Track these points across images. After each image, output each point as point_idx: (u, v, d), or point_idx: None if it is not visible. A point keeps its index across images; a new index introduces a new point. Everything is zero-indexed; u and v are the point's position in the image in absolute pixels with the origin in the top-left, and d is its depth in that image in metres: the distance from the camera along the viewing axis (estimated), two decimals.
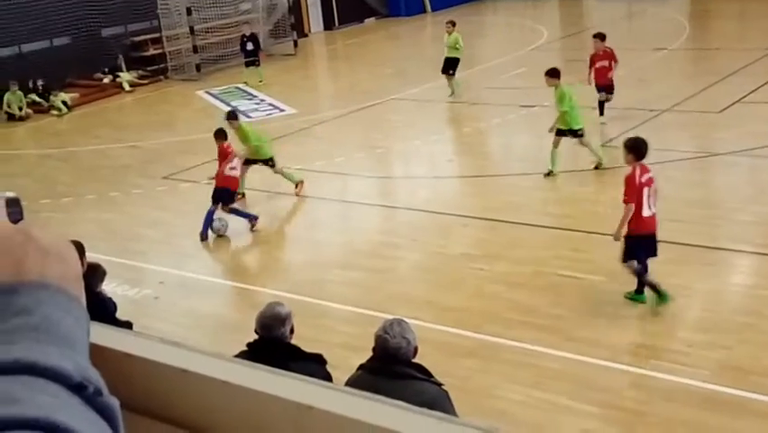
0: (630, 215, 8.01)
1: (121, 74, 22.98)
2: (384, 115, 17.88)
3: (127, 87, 22.74)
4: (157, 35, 23.88)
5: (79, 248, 6.59)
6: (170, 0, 23.44)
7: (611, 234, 8.30)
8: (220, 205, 11.34)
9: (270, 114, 18.50)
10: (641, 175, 8.02)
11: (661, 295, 8.07)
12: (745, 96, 15.35)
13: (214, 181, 11.70)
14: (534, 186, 12.27)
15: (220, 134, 11.78)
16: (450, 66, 18.00)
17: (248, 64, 21.88)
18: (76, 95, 21.43)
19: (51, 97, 20.70)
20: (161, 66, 23.94)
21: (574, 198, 11.51)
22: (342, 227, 11.69)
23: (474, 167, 13.78)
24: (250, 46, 21.83)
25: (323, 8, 30.52)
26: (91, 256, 6.96)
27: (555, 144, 12.40)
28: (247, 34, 22.09)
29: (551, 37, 24.80)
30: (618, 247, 8.26)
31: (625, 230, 8.13)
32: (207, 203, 11.41)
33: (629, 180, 8.03)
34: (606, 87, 14.79)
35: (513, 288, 8.96)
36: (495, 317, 8.35)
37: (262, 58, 22.29)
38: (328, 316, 8.82)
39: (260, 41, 22.88)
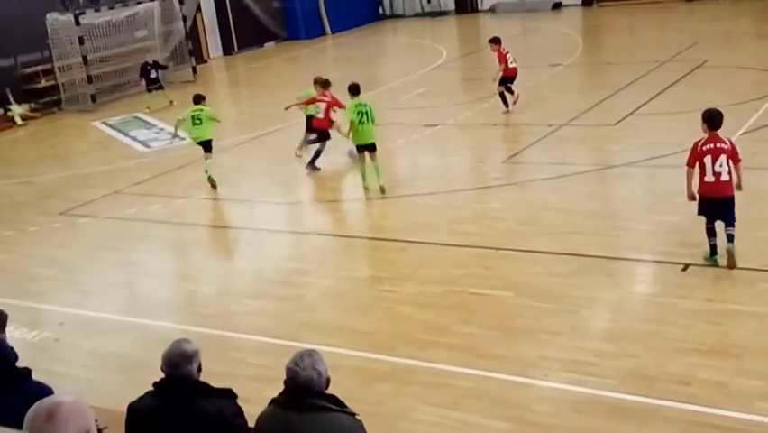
0: (691, 177, 8.94)
1: (11, 107, 22.19)
2: (288, 139, 17.72)
3: (19, 121, 21.99)
4: (49, 66, 23.17)
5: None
6: (62, 30, 22.79)
7: (519, 250, 8.48)
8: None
9: (171, 142, 18.13)
10: (705, 144, 8.82)
11: (712, 254, 8.97)
12: (637, 109, 15.87)
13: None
14: (441, 205, 12.37)
15: (326, 84, 14.69)
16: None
17: (150, 90, 21.77)
18: None
19: None
20: (55, 98, 23.24)
21: (482, 216, 11.64)
22: (251, 256, 11.51)
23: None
24: (153, 74, 21.96)
25: (221, 33, 30.27)
26: None
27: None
28: (150, 62, 22.19)
29: (450, 56, 25.19)
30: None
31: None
32: (107, 238, 11.11)
33: (693, 147, 8.94)
34: (508, 78, 16.77)
35: (424, 308, 8.97)
36: (407, 338, 8.33)
37: (167, 84, 22.23)
38: (239, 348, 8.64)
39: (160, 65, 22.82)
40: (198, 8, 28.86)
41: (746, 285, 8.61)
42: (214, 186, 14.16)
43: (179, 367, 4.90)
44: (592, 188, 12.41)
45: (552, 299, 8.70)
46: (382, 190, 12.91)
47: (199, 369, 4.99)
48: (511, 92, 16.80)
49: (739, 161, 8.95)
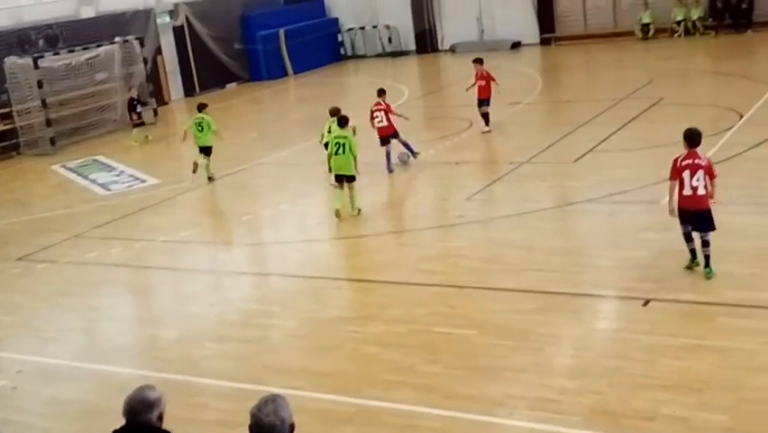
0: (673, 190, 9.58)
1: None
2: (251, 180, 17.73)
3: None
4: (7, 110, 22.93)
5: None
6: (20, 73, 22.61)
7: (483, 287, 8.49)
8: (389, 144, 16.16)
9: (132, 185, 18.00)
10: (684, 159, 9.50)
11: (693, 258, 9.67)
12: (597, 145, 16.09)
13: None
14: (406, 243, 12.38)
15: (381, 93, 16.72)
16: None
17: (137, 125, 22.81)
18: None
19: None
20: (13, 141, 22.97)
21: (446, 254, 11.66)
22: (213, 298, 11.38)
23: (344, 228, 13.77)
24: (138, 108, 22.90)
25: (182, 75, 30.23)
26: None
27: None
28: (135, 97, 23.13)
29: (412, 95, 25.41)
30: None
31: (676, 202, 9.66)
32: (67, 283, 10.91)
33: (673, 163, 9.59)
34: (485, 100, 18.36)
35: (389, 348, 8.92)
36: (372, 379, 8.27)
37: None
38: (202, 393, 8.51)
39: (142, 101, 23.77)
40: (159, 50, 28.87)
41: (708, 319, 8.69)
42: (211, 179, 17.05)
43: (139, 414, 4.85)
44: (554, 224, 12.51)
45: (516, 337, 8.71)
46: (358, 213, 13.66)
47: (160, 417, 4.91)
48: (487, 119, 18.44)
49: (715, 177, 9.54)
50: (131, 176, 18.82)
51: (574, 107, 20.76)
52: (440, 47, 34.45)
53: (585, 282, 10.08)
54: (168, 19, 29.35)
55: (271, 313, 10.46)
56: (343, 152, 13.47)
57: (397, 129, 16.53)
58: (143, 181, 18.18)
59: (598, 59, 28.81)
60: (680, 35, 29.74)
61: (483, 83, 18.44)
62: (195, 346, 9.69)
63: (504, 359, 8.31)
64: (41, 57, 23.01)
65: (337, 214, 13.50)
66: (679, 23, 29.80)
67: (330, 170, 13.88)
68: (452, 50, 33.72)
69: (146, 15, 28.04)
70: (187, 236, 13.79)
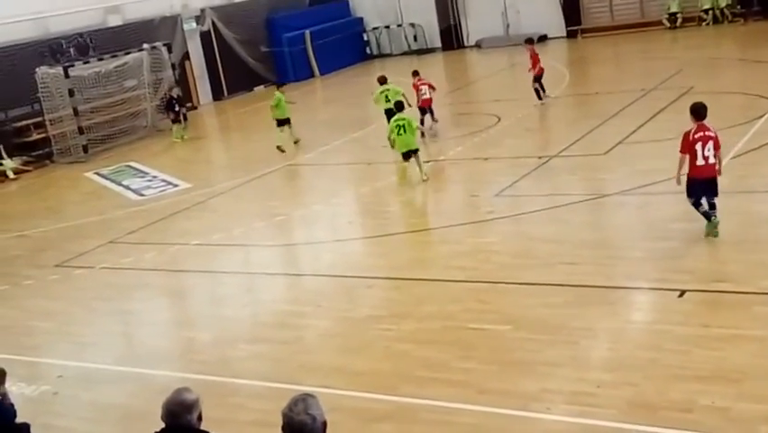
0: (683, 163, 10.27)
1: (3, 161, 22.25)
2: (281, 181, 17.84)
3: (11, 175, 22.02)
4: (40, 119, 23.26)
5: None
6: (51, 82, 22.92)
7: (515, 283, 8.48)
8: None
9: (164, 190, 18.19)
10: (695, 132, 10.16)
11: (711, 222, 10.25)
12: (626, 137, 15.98)
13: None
14: (436, 240, 12.39)
15: (415, 73, 19.69)
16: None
17: (176, 121, 23.71)
18: None
19: None
20: (46, 150, 23.30)
21: (477, 250, 11.66)
22: (247, 300, 11.48)
23: (375, 227, 13.83)
24: (177, 107, 23.86)
25: (210, 79, 30.46)
26: None
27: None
28: (174, 96, 24.12)
29: (439, 92, 25.32)
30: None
31: (685, 173, 10.36)
32: (103, 288, 11.06)
33: (684, 136, 10.25)
34: (539, 76, 20.19)
35: (422, 345, 8.94)
36: (407, 376, 8.29)
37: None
38: (238, 393, 8.59)
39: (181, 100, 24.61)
40: (187, 55, 29.11)
41: (743, 309, 8.61)
42: (282, 151, 19.20)
43: (179, 417, 4.90)
44: (585, 217, 12.45)
45: (550, 331, 8.69)
46: (427, 179, 15.35)
47: (200, 418, 4.97)
48: (543, 89, 20.27)
49: (720, 147, 10.30)
50: (163, 181, 19.02)
51: (603, 100, 20.62)
52: (465, 43, 34.37)
53: (618, 275, 10.03)
54: (194, 25, 29.58)
55: (304, 313, 10.52)
56: (405, 132, 15.22)
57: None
58: (176, 186, 18.35)
59: (625, 50, 28.57)
60: (708, 23, 29.41)
61: (534, 61, 20.19)
62: (229, 348, 9.78)
63: (538, 354, 8.30)
64: (72, 66, 23.32)
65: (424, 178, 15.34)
66: (707, 11, 29.47)
67: (392, 146, 15.63)
68: (478, 45, 33.63)
69: (173, 22, 28.30)
70: (220, 239, 13.91)
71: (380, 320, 9.84)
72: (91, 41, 25.29)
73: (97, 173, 21.04)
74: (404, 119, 15.46)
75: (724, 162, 10.72)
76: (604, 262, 10.47)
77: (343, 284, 11.34)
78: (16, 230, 16.62)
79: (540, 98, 20.24)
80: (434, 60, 33.19)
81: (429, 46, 34.80)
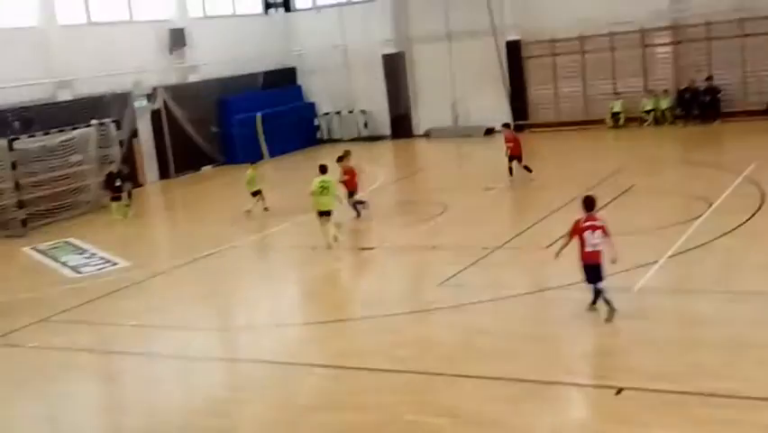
0: (566, 244, 11.61)
1: None
2: (224, 263, 17.60)
3: None
4: None
5: None
6: None
7: (456, 375, 8.34)
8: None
9: (102, 268, 17.79)
10: (584, 222, 11.36)
11: (610, 308, 11.13)
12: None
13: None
14: (378, 329, 12.24)
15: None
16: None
17: (115, 198, 23.46)
18: None
19: None
20: None
21: (418, 340, 11.55)
22: (183, 386, 11.13)
23: (318, 312, 13.66)
24: (118, 182, 23.58)
25: (158, 157, 30.29)
26: None
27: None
28: (114, 171, 23.96)
29: (386, 179, 25.60)
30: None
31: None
32: (31, 368, 10.62)
33: (574, 224, 11.47)
34: (512, 157, 21.99)
35: None
36: None
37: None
38: None
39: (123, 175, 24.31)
40: (135, 133, 28.98)
41: (681, 408, 8.60)
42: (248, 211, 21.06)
43: None
44: (528, 311, 12.47)
45: (489, 427, 8.56)
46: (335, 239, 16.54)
47: None
48: (511, 171, 22.09)
49: (610, 235, 11.32)
50: (102, 258, 18.62)
51: (547, 193, 20.94)
52: (415, 132, 34.93)
53: (559, 370, 9.98)
54: (145, 102, 29.56)
55: (242, 400, 10.23)
56: (325, 194, 16.68)
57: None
58: (115, 264, 17.98)
59: (569, 146, 29.26)
60: (649, 124, 30.39)
61: (511, 144, 22.04)
62: None
63: None
64: (17, 139, 22.99)
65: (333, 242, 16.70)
66: (648, 112, 30.49)
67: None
68: (427, 135, 34.18)
69: (123, 98, 28.23)
70: (158, 321, 13.57)
71: (318, 410, 9.60)
72: (38, 115, 25.02)
73: (34, 248, 20.53)
74: (327, 182, 16.97)
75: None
76: (545, 356, 10.44)
77: (282, 371, 11.09)
78: None
79: (530, 171, 21.96)
80: (383, 148, 33.59)
81: (380, 133, 35.27)
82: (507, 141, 22.48)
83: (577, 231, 11.37)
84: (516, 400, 9.13)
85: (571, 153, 28.22)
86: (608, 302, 11.21)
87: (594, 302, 11.46)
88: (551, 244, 15.42)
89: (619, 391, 9.05)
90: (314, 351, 11.91)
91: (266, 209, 21.70)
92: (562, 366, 10.14)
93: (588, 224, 11.34)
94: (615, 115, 30.98)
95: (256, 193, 21.84)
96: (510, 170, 22.10)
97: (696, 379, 9.16)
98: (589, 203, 11.54)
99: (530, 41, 32.32)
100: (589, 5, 30.27)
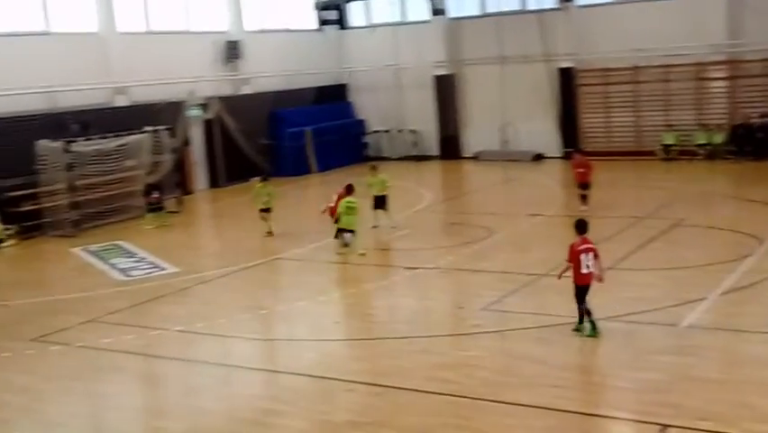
0: (567, 269, 12.09)
1: None
2: (269, 274, 17.78)
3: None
4: (33, 191, 23.24)
5: None
6: (50, 156, 23.06)
7: (496, 401, 8.32)
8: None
9: (150, 273, 18.08)
10: (580, 245, 11.93)
11: (594, 328, 11.90)
12: (617, 264, 16.02)
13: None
14: (420, 349, 12.26)
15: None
16: (381, 203, 20.73)
17: (151, 210, 23.63)
18: None
19: None
20: (36, 222, 23.20)
21: (460, 363, 11.53)
22: (223, 393, 11.26)
23: (361, 329, 13.72)
24: (155, 194, 23.79)
25: (209, 166, 30.73)
26: None
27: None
28: (152, 183, 24.25)
29: (433, 200, 25.63)
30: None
31: (571, 277, 12.06)
32: (78, 367, 10.81)
33: (570, 247, 12.01)
34: (584, 184, 21.75)
35: None
36: None
37: (144, 214, 23.61)
38: None
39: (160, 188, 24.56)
40: (187, 141, 29.44)
41: None
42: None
43: None
44: (571, 340, 12.37)
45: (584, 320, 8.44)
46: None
47: None
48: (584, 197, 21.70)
49: (599, 257, 12.00)
50: (151, 263, 18.92)
51: (595, 223, 20.65)
52: (463, 154, 34.94)
53: (601, 402, 9.92)
54: (199, 112, 30.01)
55: (282, 412, 10.31)
56: (352, 213, 17.47)
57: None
58: (163, 269, 18.26)
59: (620, 176, 28.97)
60: (701, 159, 30.02)
61: (582, 169, 21.84)
62: None
63: None
64: (74, 141, 23.50)
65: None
66: (701, 146, 30.13)
67: (336, 221, 17.80)
68: (476, 157, 34.18)
69: (177, 107, 28.71)
70: (202, 328, 13.74)
71: (358, 427, 9.64)
72: (95, 119, 25.55)
73: (85, 249, 20.94)
74: (354, 202, 17.76)
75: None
76: (587, 387, 10.38)
77: (323, 385, 11.15)
78: None
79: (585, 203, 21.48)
80: (431, 167, 33.65)
81: (428, 153, 35.34)
82: (577, 166, 22.13)
83: (575, 254, 11.89)
84: (555, 431, 9.07)
85: (620, 183, 27.95)
86: (593, 322, 11.95)
87: (581, 321, 12.01)
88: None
89: (664, 427, 8.94)
90: (355, 367, 11.96)
91: (269, 233, 20.68)
92: (604, 399, 10.06)
93: (584, 246, 11.92)
94: (667, 147, 30.67)
95: (266, 210, 20.97)
96: (583, 197, 21.61)
97: (743, 420, 9.02)
98: (581, 226, 12.15)
99: (583, 69, 32.22)
100: (645, 36, 30.06)
